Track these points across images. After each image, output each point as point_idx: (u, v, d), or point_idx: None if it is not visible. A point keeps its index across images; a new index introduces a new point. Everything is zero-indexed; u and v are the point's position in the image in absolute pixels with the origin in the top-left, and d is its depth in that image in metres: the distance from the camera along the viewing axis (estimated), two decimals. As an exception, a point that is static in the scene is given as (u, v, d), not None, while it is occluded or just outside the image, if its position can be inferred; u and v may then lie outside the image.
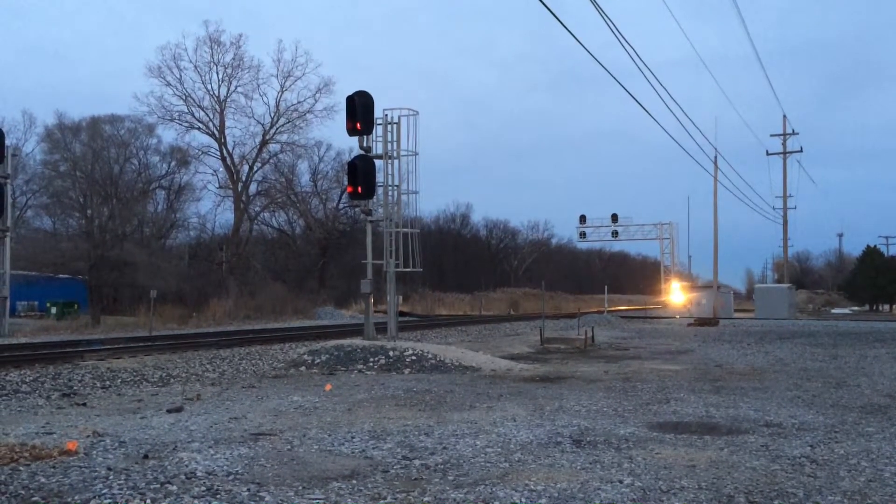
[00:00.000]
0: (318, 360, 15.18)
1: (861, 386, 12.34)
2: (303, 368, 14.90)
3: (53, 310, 38.89)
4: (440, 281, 72.00)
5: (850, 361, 17.17)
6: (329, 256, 57.66)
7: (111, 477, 5.82)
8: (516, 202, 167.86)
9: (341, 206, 57.82)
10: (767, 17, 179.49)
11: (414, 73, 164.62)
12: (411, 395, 10.97)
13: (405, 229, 19.30)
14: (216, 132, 51.49)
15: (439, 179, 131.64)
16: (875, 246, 76.62)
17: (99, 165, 47.10)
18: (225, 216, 56.16)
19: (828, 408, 9.88)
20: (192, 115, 50.65)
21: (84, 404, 10.36)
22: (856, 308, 71.63)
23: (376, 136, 18.91)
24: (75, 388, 12.03)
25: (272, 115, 52.22)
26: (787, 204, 53.09)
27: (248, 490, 5.50)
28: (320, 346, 16.57)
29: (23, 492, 5.39)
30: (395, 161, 19.15)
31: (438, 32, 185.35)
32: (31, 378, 12.64)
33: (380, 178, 19.00)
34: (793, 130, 52.77)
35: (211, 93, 50.82)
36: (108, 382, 12.64)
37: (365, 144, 18.47)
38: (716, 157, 41.34)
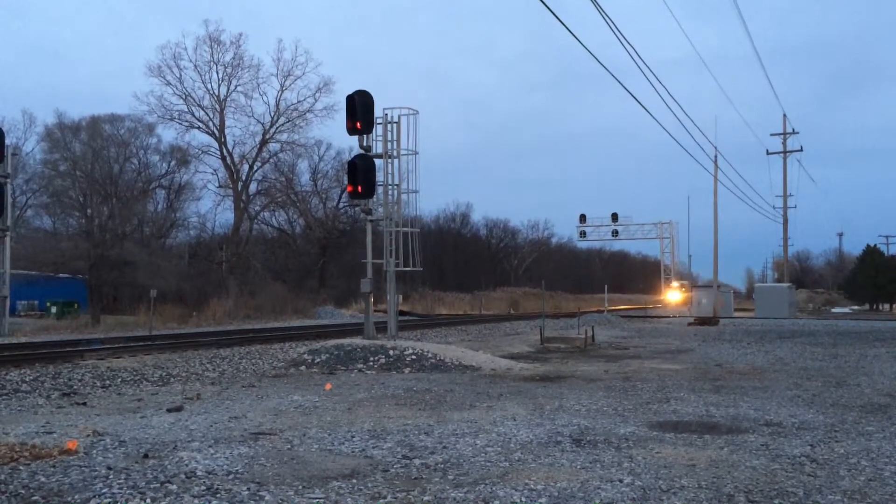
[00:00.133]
0: (318, 360, 15.18)
1: (861, 385, 12.34)
2: (303, 368, 14.90)
3: (53, 309, 38.91)
4: (440, 280, 71.99)
5: (850, 361, 17.17)
6: (329, 256, 57.66)
7: (111, 476, 5.82)
8: (516, 201, 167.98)
9: (341, 205, 57.86)
10: (767, 17, 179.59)
11: (414, 73, 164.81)
12: (411, 395, 10.97)
13: (405, 228, 19.30)
14: (216, 131, 51.53)
15: (439, 179, 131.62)
16: (875, 245, 76.65)
17: (99, 165, 47.09)
18: (225, 215, 56.23)
19: (828, 407, 9.88)
20: (192, 114, 50.73)
21: (84, 404, 10.36)
22: (856, 307, 71.65)
23: (376, 136, 18.92)
24: (75, 387, 12.03)
25: (272, 114, 52.30)
26: (788, 203, 53.15)
27: (248, 489, 5.49)
28: (320, 345, 16.57)
29: (23, 491, 5.39)
30: (395, 160, 19.15)
31: (438, 32, 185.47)
32: (31, 377, 12.64)
33: (380, 177, 19.01)
34: (793, 129, 52.82)
35: (211, 92, 50.88)
36: (108, 382, 12.64)
37: (365, 144, 18.48)
38: (716, 157, 41.35)
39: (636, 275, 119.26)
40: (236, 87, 50.98)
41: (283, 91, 51.79)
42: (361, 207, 19.60)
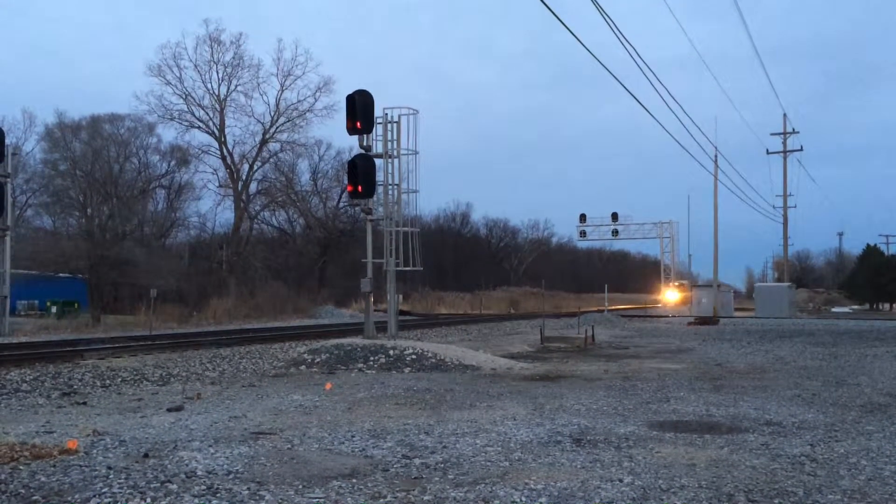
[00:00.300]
0: (319, 359, 15.18)
1: (861, 385, 12.34)
2: (303, 367, 14.90)
3: (54, 309, 38.92)
4: (440, 280, 71.99)
5: (850, 360, 17.17)
6: (329, 255, 57.67)
7: (111, 476, 5.82)
8: (516, 201, 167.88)
9: (341, 205, 57.85)
10: (767, 16, 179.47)
11: (414, 72, 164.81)
12: (411, 394, 10.97)
13: (405, 228, 19.31)
14: (216, 131, 51.53)
15: (439, 178, 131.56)
16: (875, 245, 76.71)
17: (99, 164, 47.12)
18: (225, 215, 56.22)
19: (828, 406, 9.88)
20: (192, 114, 50.72)
21: (84, 403, 10.36)
22: (856, 307, 71.64)
23: (376, 135, 18.93)
24: (75, 387, 12.03)
25: (272, 114, 52.30)
26: (788, 202, 53.16)
27: (249, 489, 5.50)
28: (320, 345, 16.57)
29: (23, 491, 5.39)
30: (396, 160, 19.16)
31: (438, 31, 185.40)
32: (31, 377, 12.65)
33: (380, 176, 19.02)
34: (793, 129, 52.83)
35: (211, 92, 50.88)
36: (108, 381, 12.64)
37: (365, 143, 18.48)
38: (716, 156, 41.35)
39: (636, 274, 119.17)
40: (236, 86, 51.07)
41: (283, 91, 51.87)
42: (362, 207, 19.61)
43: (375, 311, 21.69)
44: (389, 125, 19.03)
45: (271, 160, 54.41)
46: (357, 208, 36.16)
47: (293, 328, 30.31)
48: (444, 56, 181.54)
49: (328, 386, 11.92)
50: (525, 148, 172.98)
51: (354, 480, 5.80)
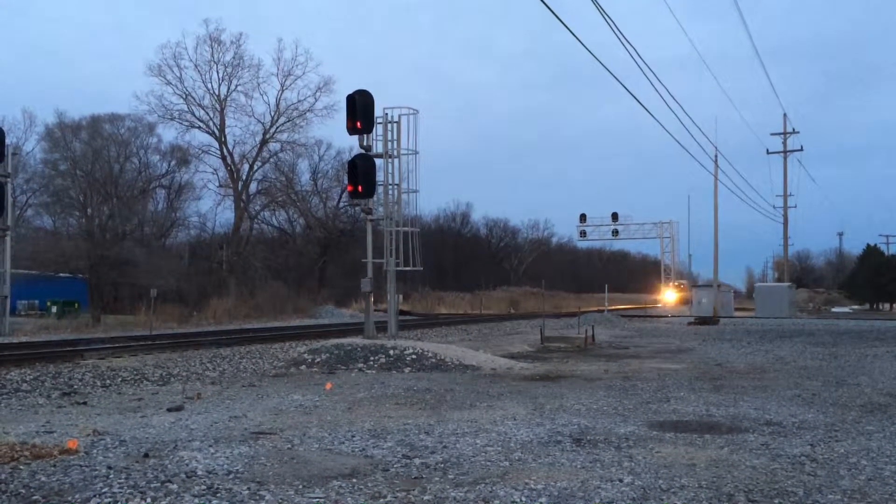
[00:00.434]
0: (319, 359, 15.19)
1: (861, 385, 12.34)
2: (303, 367, 14.90)
3: (54, 309, 38.91)
4: (440, 280, 71.99)
5: (850, 360, 17.17)
6: (329, 255, 57.67)
7: (112, 476, 5.83)
8: (516, 201, 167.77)
9: (341, 204, 57.86)
10: (767, 16, 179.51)
11: (414, 72, 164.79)
12: (411, 394, 10.97)
13: (405, 228, 19.31)
14: (216, 131, 51.54)
15: (439, 178, 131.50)
16: (875, 245, 76.70)
17: (99, 164, 47.12)
18: (225, 215, 56.24)
19: (828, 406, 9.88)
20: (193, 113, 50.74)
21: (84, 403, 10.37)
22: (856, 307, 71.62)
23: (376, 135, 18.94)
24: (76, 386, 12.03)
25: (272, 113, 52.31)
26: (788, 202, 53.15)
27: (249, 489, 5.50)
28: (320, 344, 16.57)
29: (23, 490, 5.40)
30: (396, 160, 19.16)
31: (438, 31, 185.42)
32: (31, 377, 12.65)
33: (380, 176, 19.03)
34: (793, 129, 52.82)
35: (211, 92, 50.90)
36: (108, 381, 12.64)
37: (365, 143, 18.48)
38: (716, 156, 41.33)
39: (636, 274, 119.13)
40: (236, 86, 51.07)
41: (283, 91, 51.88)
42: (362, 207, 19.62)
43: (375, 311, 21.69)
44: (389, 125, 19.04)
45: (271, 160, 54.50)
46: (357, 208, 36.15)
47: (293, 328, 30.32)
48: (444, 56, 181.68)
49: (328, 386, 11.92)
50: (525, 148, 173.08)
51: (354, 480, 5.80)
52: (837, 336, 26.67)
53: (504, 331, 29.40)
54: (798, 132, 53.36)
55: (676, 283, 71.61)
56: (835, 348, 20.90)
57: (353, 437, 7.57)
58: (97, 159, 46.97)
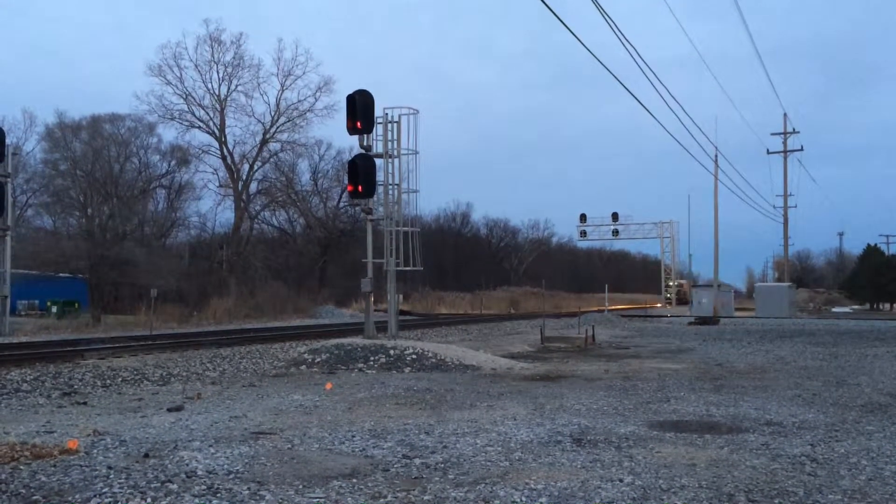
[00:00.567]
0: (319, 359, 15.19)
1: (861, 385, 12.34)
2: (303, 367, 14.91)
3: (54, 309, 38.90)
4: (440, 280, 71.98)
5: (850, 360, 17.17)
6: (329, 255, 57.68)
7: (112, 476, 5.83)
8: (516, 201, 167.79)
9: (342, 204, 57.87)
10: (768, 16, 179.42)
11: (414, 72, 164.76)
12: (412, 394, 10.98)
13: (405, 228, 19.31)
14: (216, 131, 51.57)
15: (439, 178, 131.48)
16: (875, 245, 76.73)
17: (99, 164, 47.12)
18: (225, 215, 56.25)
19: (828, 406, 9.88)
20: (193, 113, 50.77)
21: (85, 403, 10.37)
22: (856, 307, 71.68)
23: (377, 135, 18.94)
24: (76, 386, 12.03)
25: (272, 113, 52.34)
26: (788, 202, 53.15)
27: (249, 489, 5.50)
28: (321, 344, 16.57)
29: (23, 490, 5.40)
30: (396, 160, 19.16)
31: (438, 31, 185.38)
32: (31, 377, 12.65)
33: (380, 176, 19.03)
34: (793, 129, 52.83)
35: (211, 91, 50.93)
36: (108, 381, 12.64)
37: (365, 143, 18.49)
38: (716, 156, 41.39)
39: (636, 274, 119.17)
40: (237, 86, 51.11)
41: (283, 91, 51.92)
42: (362, 207, 19.62)
43: (375, 310, 21.70)
44: (390, 125, 19.04)
45: (271, 160, 54.53)
46: (357, 208, 36.17)
47: (293, 328, 30.32)
48: (444, 56, 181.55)
49: (328, 386, 11.92)
50: (525, 148, 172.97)
51: (355, 480, 5.80)
52: (838, 336, 26.67)
53: (504, 331, 29.40)
54: (798, 132, 53.44)
55: (678, 283, 71.60)
56: (835, 348, 20.90)
57: (353, 437, 7.57)
58: (97, 159, 46.98)
